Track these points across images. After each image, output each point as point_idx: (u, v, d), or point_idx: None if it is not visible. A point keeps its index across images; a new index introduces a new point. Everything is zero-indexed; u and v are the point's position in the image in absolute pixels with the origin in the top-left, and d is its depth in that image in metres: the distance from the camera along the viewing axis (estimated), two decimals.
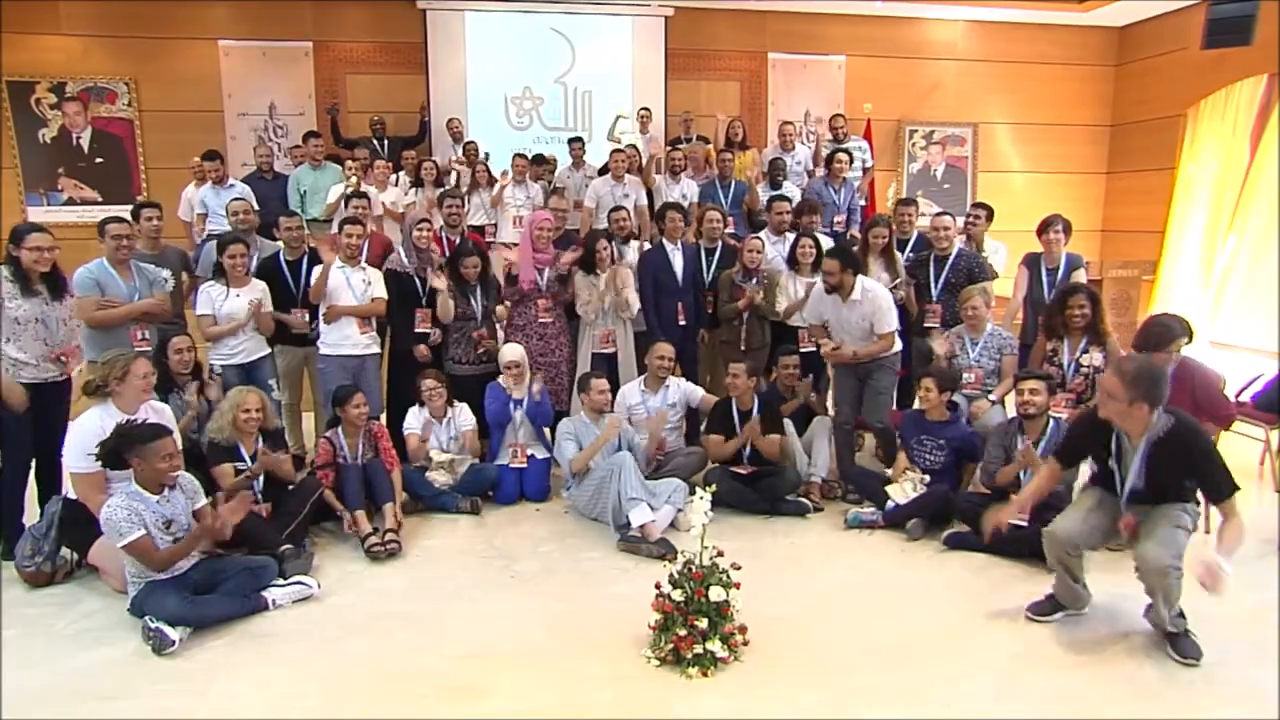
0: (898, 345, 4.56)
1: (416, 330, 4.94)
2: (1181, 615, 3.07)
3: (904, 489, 4.24)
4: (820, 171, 7.18)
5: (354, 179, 6.27)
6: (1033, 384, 4.01)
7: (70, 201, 7.79)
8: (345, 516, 4.07)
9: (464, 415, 4.74)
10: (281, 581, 3.42)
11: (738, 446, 4.47)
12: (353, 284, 4.75)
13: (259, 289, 4.70)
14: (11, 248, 3.76)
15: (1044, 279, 5.06)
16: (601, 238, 5.16)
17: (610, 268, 5.09)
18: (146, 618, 3.09)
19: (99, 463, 3.25)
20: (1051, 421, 4.02)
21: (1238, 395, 4.95)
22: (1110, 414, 3.04)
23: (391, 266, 5.03)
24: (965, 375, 4.65)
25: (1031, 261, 5.18)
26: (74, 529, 3.56)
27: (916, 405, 4.48)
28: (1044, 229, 5.10)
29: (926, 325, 5.03)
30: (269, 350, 4.82)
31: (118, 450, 3.17)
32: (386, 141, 7.53)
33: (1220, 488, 2.97)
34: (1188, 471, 3.02)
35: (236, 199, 5.51)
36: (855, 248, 5.30)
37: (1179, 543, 3.03)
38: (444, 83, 8.24)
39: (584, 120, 8.53)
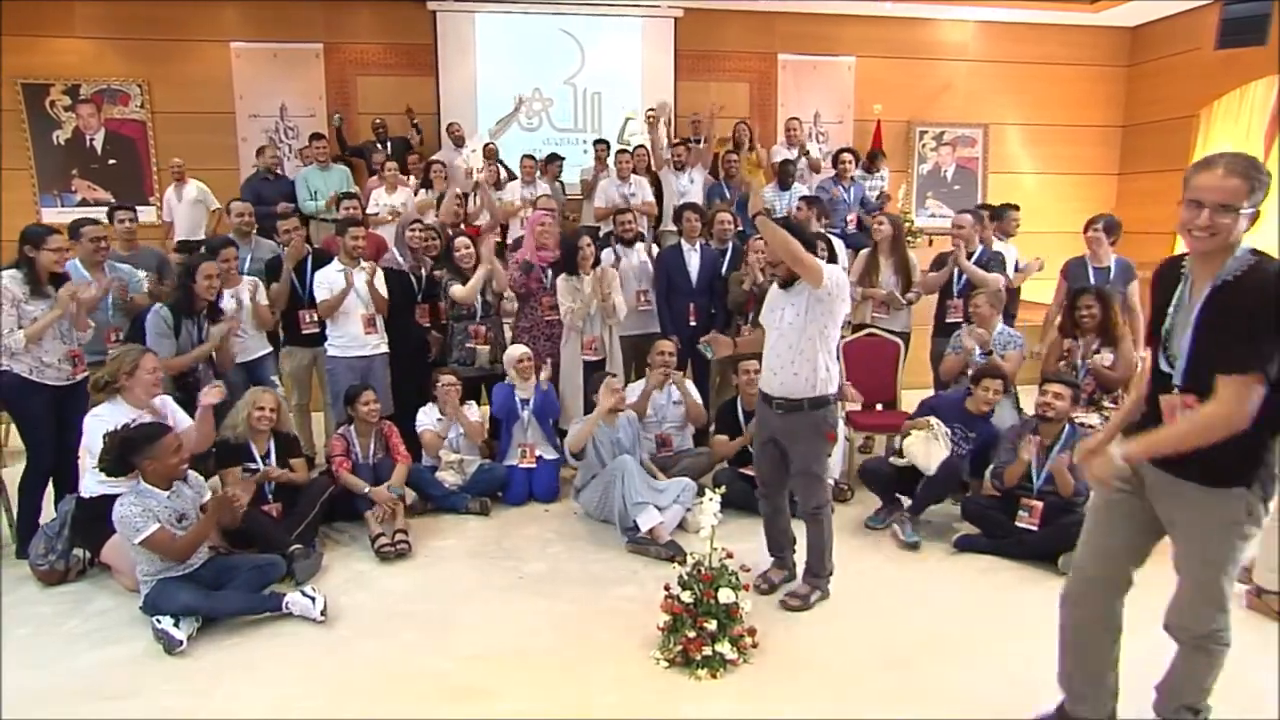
0: (828, 383, 3.22)
1: (416, 324, 5.04)
2: (1192, 711, 2.32)
3: (926, 445, 4.01)
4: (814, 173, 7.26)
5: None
6: (1058, 388, 3.89)
7: (84, 203, 7.84)
8: (366, 490, 4.10)
9: (471, 410, 4.76)
10: (305, 591, 3.36)
11: (741, 445, 4.46)
12: (356, 283, 4.75)
13: (250, 284, 4.72)
14: (28, 249, 3.78)
15: (1092, 278, 4.95)
16: (585, 235, 5.02)
17: (595, 270, 4.93)
18: (155, 618, 3.11)
19: (102, 472, 3.25)
20: (1067, 427, 3.92)
21: None
22: (1198, 223, 2.01)
23: (387, 265, 5.08)
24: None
25: (1072, 269, 5.11)
26: (86, 528, 3.59)
27: (973, 401, 4.30)
28: (1086, 228, 5.07)
29: (949, 321, 5.02)
30: (270, 349, 4.85)
31: (123, 456, 3.18)
32: (390, 144, 7.56)
33: (1241, 357, 1.94)
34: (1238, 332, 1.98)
35: (237, 200, 5.48)
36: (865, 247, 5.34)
37: (1222, 587, 2.14)
38: (454, 84, 8.27)
39: (594, 121, 8.54)
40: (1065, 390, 3.89)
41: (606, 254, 5.28)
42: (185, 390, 4.09)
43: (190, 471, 3.39)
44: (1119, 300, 4.59)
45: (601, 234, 6.13)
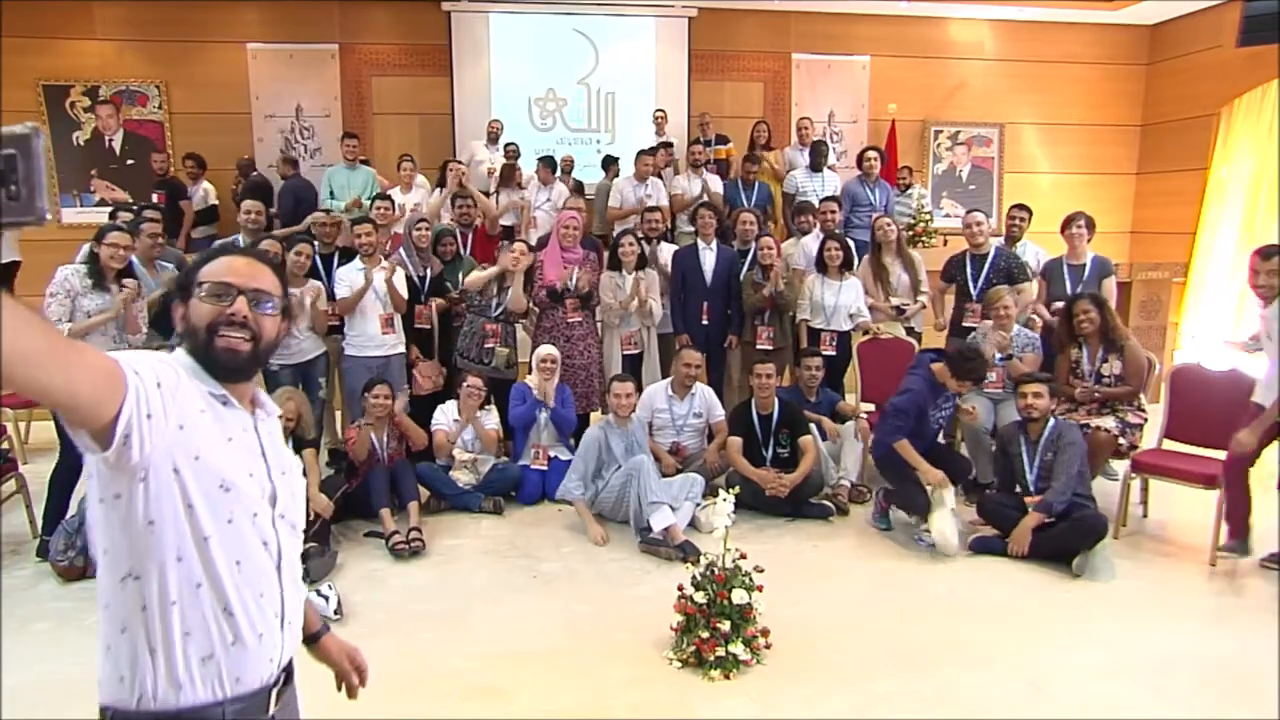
0: None
1: (416, 326, 5.08)
2: None
3: (946, 524, 3.89)
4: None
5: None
6: (1035, 387, 3.95)
7: (102, 203, 7.89)
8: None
9: (488, 417, 4.77)
10: (320, 590, 3.37)
11: (754, 475, 4.33)
12: (375, 281, 4.77)
13: (312, 289, 4.72)
14: (94, 245, 3.93)
15: (1067, 276, 4.98)
16: (629, 235, 5.15)
17: (636, 271, 5.07)
18: None
19: None
20: (1051, 421, 3.97)
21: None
22: None
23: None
24: (988, 374, 4.60)
25: (1050, 269, 5.12)
26: None
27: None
28: (1066, 225, 5.08)
29: (966, 325, 4.99)
30: (323, 349, 4.86)
31: None
32: None
33: None
34: None
35: (249, 199, 5.35)
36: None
37: None
38: (468, 84, 8.28)
39: (607, 122, 8.55)
40: (1042, 388, 3.97)
41: (666, 249, 5.46)
42: None
43: None
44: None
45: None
